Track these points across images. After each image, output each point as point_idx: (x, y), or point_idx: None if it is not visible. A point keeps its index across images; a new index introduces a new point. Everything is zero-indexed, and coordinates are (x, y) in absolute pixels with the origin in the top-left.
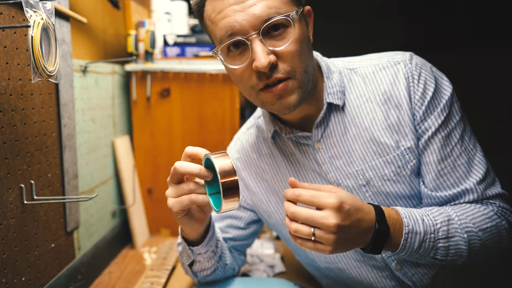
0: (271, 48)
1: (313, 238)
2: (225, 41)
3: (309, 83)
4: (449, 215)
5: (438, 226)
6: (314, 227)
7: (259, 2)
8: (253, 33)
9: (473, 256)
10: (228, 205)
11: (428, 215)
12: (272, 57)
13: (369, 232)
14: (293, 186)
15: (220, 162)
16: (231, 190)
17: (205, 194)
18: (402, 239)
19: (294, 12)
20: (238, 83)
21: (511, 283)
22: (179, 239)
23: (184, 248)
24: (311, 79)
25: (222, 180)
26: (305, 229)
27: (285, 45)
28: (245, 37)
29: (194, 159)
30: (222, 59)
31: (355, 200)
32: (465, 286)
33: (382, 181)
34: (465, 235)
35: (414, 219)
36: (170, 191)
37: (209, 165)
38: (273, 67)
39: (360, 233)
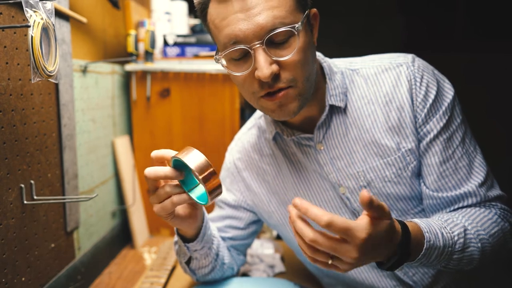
0: (274, 58)
1: (330, 262)
2: (229, 48)
3: (311, 89)
4: (464, 225)
5: (456, 239)
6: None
7: (264, 11)
8: (256, 42)
9: (483, 261)
10: (214, 195)
11: (445, 227)
12: (275, 67)
13: (386, 254)
14: (298, 207)
15: (191, 159)
16: (213, 181)
17: (184, 192)
18: (421, 253)
19: (300, 23)
20: (239, 87)
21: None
22: (176, 238)
23: (180, 246)
24: (312, 85)
25: (202, 176)
26: (324, 257)
27: (289, 56)
28: (248, 45)
29: (162, 162)
30: (225, 64)
31: (382, 233)
32: (466, 284)
33: (383, 182)
34: (479, 244)
35: (435, 233)
36: (152, 199)
37: (178, 165)
38: (275, 76)
39: (377, 257)
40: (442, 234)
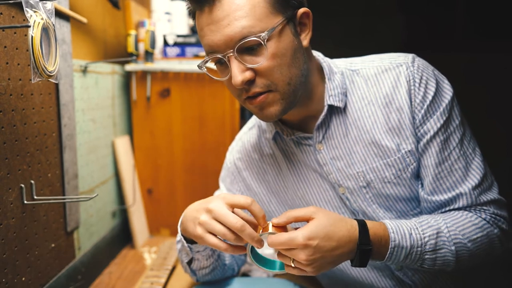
0: (248, 66)
1: (293, 265)
2: (209, 56)
3: (297, 91)
4: (438, 227)
5: (426, 239)
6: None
7: (233, 21)
8: (229, 51)
9: (462, 264)
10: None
11: (417, 228)
12: (248, 74)
13: (350, 253)
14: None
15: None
16: None
17: (244, 249)
18: (388, 252)
19: (266, 32)
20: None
21: (510, 281)
22: (178, 237)
23: (183, 245)
24: (300, 88)
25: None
26: (288, 259)
27: (260, 63)
28: (222, 54)
29: (233, 207)
30: (205, 70)
31: (328, 230)
32: (466, 285)
33: (382, 183)
34: (453, 247)
35: (402, 233)
36: (212, 226)
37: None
38: (250, 82)
39: (338, 256)
40: (411, 234)
